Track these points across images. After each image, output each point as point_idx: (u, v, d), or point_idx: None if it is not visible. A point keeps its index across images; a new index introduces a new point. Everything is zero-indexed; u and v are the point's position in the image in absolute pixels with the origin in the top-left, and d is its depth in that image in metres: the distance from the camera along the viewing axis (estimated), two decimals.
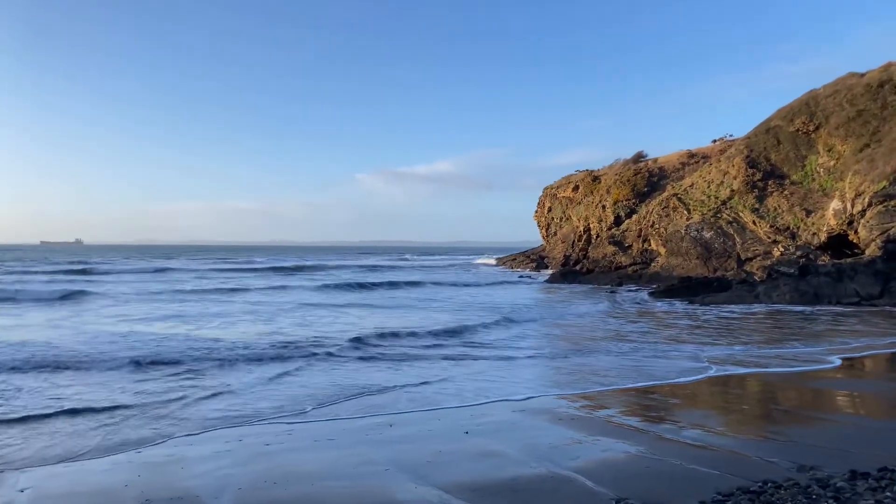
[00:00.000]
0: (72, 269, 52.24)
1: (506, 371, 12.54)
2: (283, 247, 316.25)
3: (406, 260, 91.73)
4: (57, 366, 12.10)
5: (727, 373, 12.35)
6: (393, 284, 40.16)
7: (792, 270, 29.57)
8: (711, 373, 12.27)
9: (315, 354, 13.74)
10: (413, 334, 16.89)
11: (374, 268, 65.71)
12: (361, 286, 38.05)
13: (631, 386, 11.18)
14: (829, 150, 38.22)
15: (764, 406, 10.09)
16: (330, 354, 13.74)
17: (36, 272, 49.18)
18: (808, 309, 25.03)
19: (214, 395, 10.13)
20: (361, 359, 13.50)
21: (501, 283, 42.90)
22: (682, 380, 11.59)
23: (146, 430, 8.24)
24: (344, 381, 11.34)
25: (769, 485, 5.70)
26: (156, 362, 12.56)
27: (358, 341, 15.27)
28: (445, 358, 13.81)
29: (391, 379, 11.62)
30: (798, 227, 36.78)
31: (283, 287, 37.24)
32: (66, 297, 28.29)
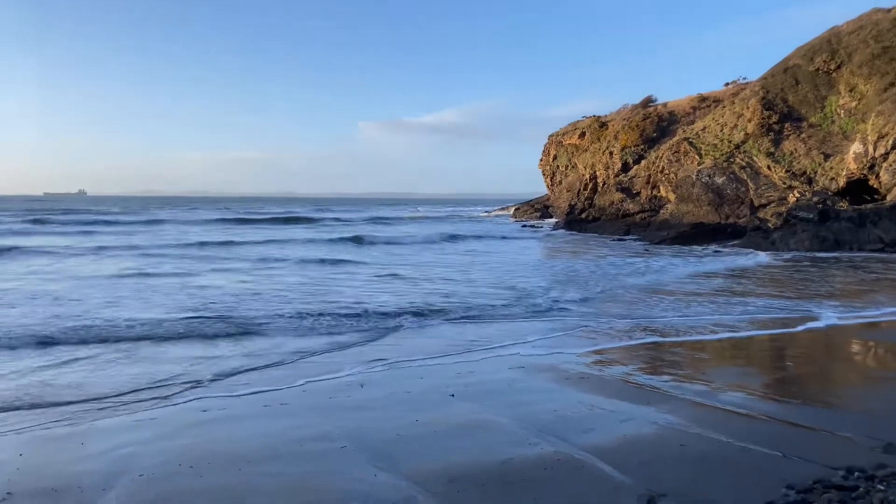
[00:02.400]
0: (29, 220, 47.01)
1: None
2: (287, 198, 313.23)
3: (419, 212, 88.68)
4: None
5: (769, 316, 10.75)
6: (455, 237, 36.24)
7: (811, 216, 27.83)
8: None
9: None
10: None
11: (395, 220, 63.09)
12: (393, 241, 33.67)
13: (646, 341, 9.61)
14: (850, 91, 35.97)
15: (814, 362, 8.53)
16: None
17: None
18: (839, 255, 23.50)
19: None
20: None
21: (512, 237, 40.63)
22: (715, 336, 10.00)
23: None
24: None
25: (856, 474, 4.16)
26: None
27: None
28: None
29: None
30: (815, 172, 34.81)
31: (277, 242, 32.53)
32: None
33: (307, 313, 11.00)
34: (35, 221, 45.31)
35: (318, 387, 7.01)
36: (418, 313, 11.26)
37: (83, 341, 8.93)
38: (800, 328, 10.28)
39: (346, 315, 11.00)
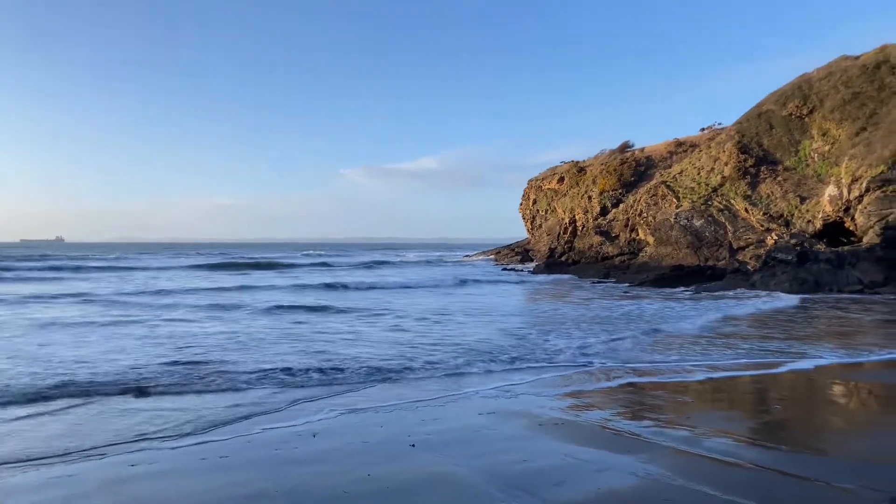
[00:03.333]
0: None
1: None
2: (268, 243, 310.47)
3: (401, 257, 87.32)
4: None
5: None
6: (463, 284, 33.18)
7: (790, 257, 27.70)
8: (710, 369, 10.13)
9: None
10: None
11: (392, 263, 61.92)
12: (408, 287, 31.31)
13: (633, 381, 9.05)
14: (823, 135, 36.46)
15: (802, 405, 8.02)
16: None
17: None
18: (822, 297, 23.22)
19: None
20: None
21: (497, 281, 39.94)
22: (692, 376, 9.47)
23: None
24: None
25: None
26: None
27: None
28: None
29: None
30: (792, 215, 34.95)
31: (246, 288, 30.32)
32: None
33: (268, 366, 9.99)
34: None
35: (266, 437, 6.35)
36: (396, 368, 10.09)
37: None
38: (784, 369, 9.82)
39: (318, 369, 9.81)
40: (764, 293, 24.08)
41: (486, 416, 7.09)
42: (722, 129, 46.39)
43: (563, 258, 46.07)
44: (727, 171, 38.06)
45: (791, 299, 22.21)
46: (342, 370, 9.69)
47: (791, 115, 38.12)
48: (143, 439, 6.25)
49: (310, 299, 22.23)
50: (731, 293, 24.92)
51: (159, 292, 24.82)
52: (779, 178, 36.47)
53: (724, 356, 10.99)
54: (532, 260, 55.52)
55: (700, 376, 9.39)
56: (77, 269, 45.55)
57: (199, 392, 8.32)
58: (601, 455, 5.67)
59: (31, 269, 44.71)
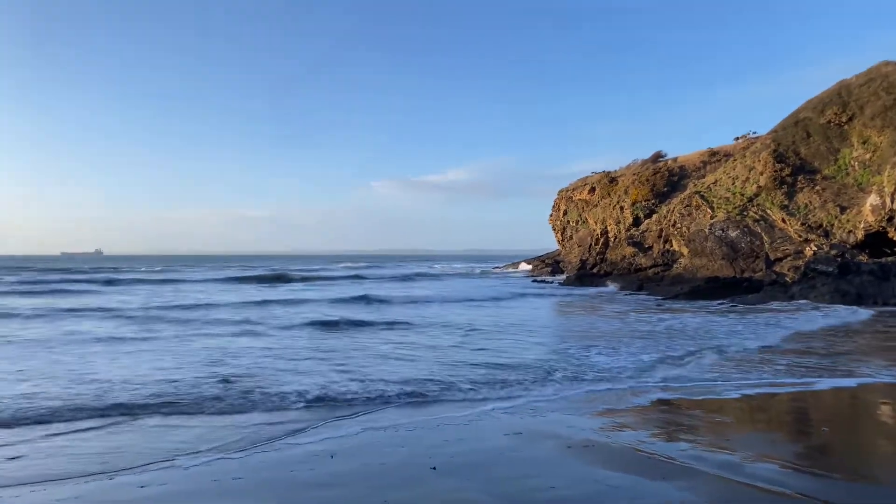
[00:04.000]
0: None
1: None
2: (301, 255, 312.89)
3: (433, 268, 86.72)
4: None
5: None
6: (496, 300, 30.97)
7: (830, 269, 26.81)
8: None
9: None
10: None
11: (429, 276, 61.42)
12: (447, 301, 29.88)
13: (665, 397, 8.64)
14: (864, 143, 35.45)
15: (855, 428, 7.54)
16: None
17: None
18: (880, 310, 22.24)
19: None
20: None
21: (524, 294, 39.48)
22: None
23: None
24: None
25: None
26: None
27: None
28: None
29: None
30: (832, 225, 33.95)
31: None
32: None
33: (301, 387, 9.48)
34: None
35: (282, 457, 6.16)
36: (430, 388, 9.57)
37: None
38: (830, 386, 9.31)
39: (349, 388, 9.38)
40: (823, 307, 22.94)
41: (513, 437, 6.78)
42: (756, 137, 45.46)
43: (594, 270, 45.45)
44: (763, 180, 37.19)
45: (859, 312, 21.20)
46: (370, 387, 9.41)
47: (829, 122, 37.19)
48: (155, 460, 6.07)
49: (343, 313, 21.54)
50: (773, 304, 24.17)
51: (196, 306, 24.89)
52: (817, 188, 35.51)
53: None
54: (563, 271, 54.93)
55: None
56: (111, 282, 46.31)
57: (221, 412, 8.13)
58: (635, 481, 5.32)
59: (79, 281, 45.96)
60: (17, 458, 6.23)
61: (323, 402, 8.58)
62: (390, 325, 18.16)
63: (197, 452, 6.29)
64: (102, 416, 7.83)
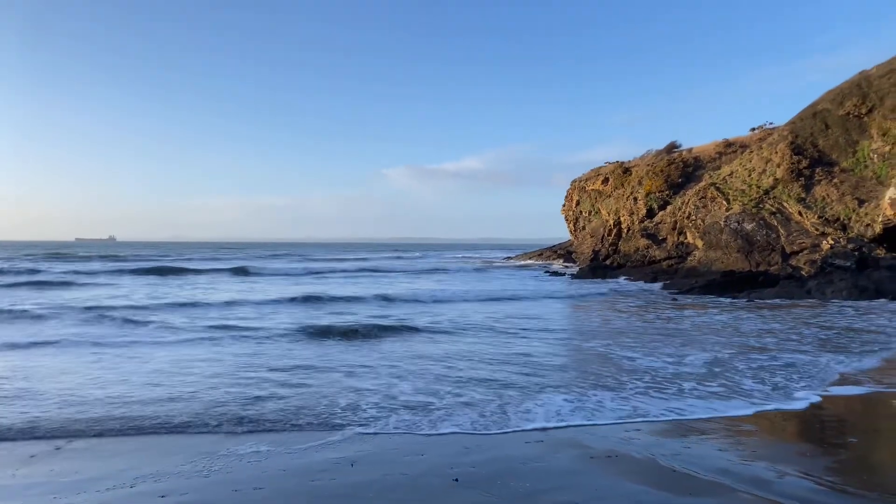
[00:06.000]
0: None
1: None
2: (319, 243, 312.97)
3: (447, 259, 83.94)
4: None
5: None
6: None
7: (848, 264, 26.55)
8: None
9: None
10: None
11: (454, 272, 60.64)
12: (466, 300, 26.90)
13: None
14: (884, 135, 34.92)
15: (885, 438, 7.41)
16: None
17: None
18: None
19: None
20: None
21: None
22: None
23: None
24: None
25: None
26: None
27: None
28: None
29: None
30: (850, 218, 33.53)
31: None
32: None
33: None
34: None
35: (303, 465, 6.11)
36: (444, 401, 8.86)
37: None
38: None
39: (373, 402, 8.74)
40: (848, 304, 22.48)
41: (535, 445, 6.72)
42: (773, 129, 44.93)
43: (607, 261, 45.23)
44: (780, 172, 36.77)
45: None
46: (392, 396, 9.10)
47: (848, 114, 36.65)
48: (173, 467, 6.06)
49: (357, 316, 19.40)
50: (786, 301, 23.96)
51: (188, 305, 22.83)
52: (835, 181, 35.07)
53: None
54: (575, 262, 54.70)
55: None
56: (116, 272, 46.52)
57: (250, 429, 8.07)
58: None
59: (124, 270, 45.96)
60: None
61: (335, 412, 8.38)
62: (414, 330, 16.72)
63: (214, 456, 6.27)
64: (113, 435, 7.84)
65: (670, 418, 7.92)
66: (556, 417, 7.88)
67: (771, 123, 47.21)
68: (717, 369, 10.99)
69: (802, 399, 8.82)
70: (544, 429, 7.38)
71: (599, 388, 9.58)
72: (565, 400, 8.82)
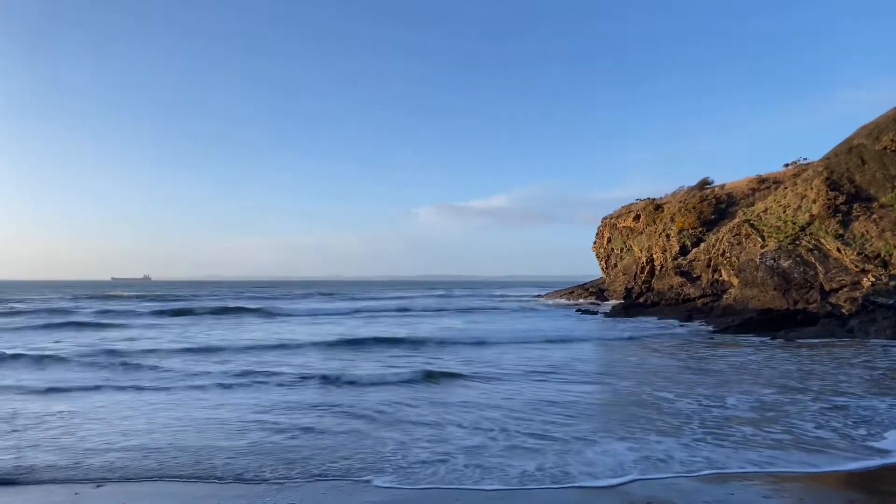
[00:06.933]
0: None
1: None
2: (347, 281, 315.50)
3: (498, 298, 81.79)
4: None
5: None
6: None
7: (891, 301, 25.94)
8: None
9: None
10: None
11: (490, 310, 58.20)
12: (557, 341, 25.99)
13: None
14: None
15: None
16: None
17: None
18: None
19: None
20: None
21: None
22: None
23: None
24: None
25: None
26: None
27: None
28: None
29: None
30: (891, 255, 32.85)
31: None
32: None
33: None
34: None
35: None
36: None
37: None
38: None
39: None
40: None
41: (571, 493, 6.67)
42: (807, 164, 44.53)
43: (641, 299, 44.78)
44: (815, 208, 36.30)
45: None
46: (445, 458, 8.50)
47: (885, 148, 36.21)
48: None
49: (400, 362, 18.71)
50: (827, 339, 23.44)
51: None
52: (874, 216, 34.49)
53: None
54: (608, 299, 54.24)
55: None
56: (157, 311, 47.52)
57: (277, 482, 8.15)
58: None
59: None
60: None
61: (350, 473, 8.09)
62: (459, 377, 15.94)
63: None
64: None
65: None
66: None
67: (805, 159, 46.86)
68: (769, 413, 10.77)
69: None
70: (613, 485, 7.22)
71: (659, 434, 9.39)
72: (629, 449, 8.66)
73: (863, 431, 9.47)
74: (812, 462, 7.97)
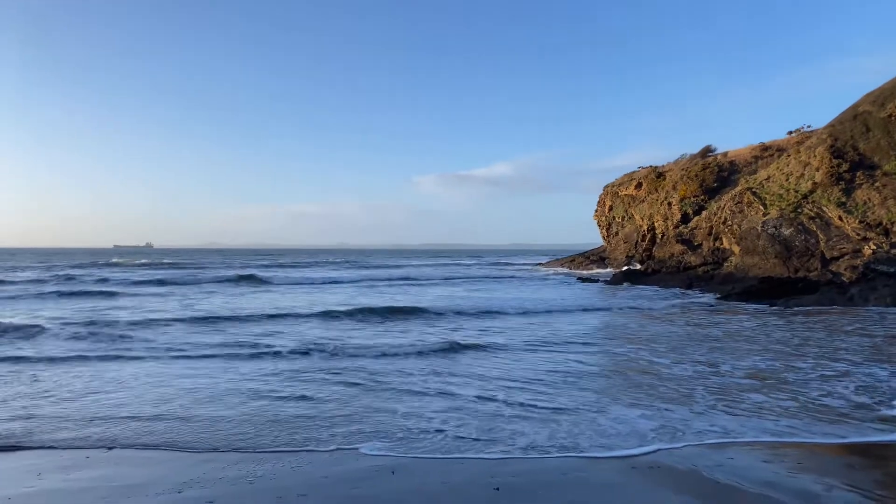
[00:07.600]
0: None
1: None
2: (349, 249, 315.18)
3: (500, 266, 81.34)
4: None
5: None
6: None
7: (892, 269, 25.93)
8: None
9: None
10: None
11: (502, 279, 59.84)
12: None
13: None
14: None
15: None
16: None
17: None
18: None
19: None
20: None
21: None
22: None
23: None
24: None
25: None
26: None
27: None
28: None
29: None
30: (892, 223, 32.73)
31: None
32: None
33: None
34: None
35: (345, 472, 6.22)
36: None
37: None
38: None
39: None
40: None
41: (577, 460, 6.70)
42: (811, 132, 44.15)
43: (641, 267, 44.79)
44: (819, 176, 36.09)
45: None
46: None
47: (890, 116, 35.85)
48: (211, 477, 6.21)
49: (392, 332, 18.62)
50: (827, 307, 23.46)
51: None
52: (877, 184, 34.28)
53: None
54: (608, 267, 54.25)
55: None
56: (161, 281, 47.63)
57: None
58: None
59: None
60: None
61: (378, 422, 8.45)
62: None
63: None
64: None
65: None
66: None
67: (809, 126, 46.44)
68: (769, 380, 10.78)
69: None
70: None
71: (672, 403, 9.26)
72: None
73: (870, 399, 9.36)
74: (836, 433, 7.62)
